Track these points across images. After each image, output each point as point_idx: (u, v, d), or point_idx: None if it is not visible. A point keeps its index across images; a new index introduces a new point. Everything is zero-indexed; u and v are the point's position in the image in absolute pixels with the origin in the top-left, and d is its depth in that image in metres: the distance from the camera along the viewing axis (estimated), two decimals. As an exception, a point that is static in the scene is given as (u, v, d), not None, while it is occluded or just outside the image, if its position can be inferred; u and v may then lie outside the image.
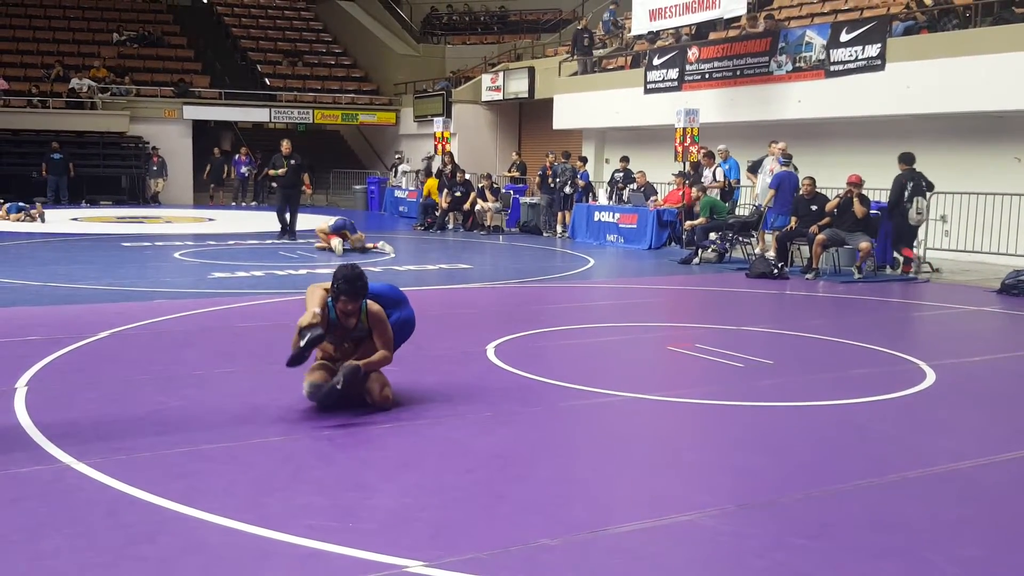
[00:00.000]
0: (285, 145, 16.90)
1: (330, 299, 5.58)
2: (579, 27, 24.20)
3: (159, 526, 3.82)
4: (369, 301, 5.63)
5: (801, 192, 13.20)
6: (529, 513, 4.04)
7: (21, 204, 20.06)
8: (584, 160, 20.03)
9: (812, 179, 13.35)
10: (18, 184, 23.39)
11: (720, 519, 4.02)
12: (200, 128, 29.37)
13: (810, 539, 3.83)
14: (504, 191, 20.87)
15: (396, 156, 26.90)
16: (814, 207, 12.92)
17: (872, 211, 12.59)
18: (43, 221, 19.36)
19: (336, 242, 14.47)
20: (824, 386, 6.56)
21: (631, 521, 3.96)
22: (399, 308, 5.92)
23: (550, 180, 18.90)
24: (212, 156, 27.74)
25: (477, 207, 19.74)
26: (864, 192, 12.60)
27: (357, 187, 28.00)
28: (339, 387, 5.33)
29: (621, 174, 18.37)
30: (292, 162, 16.53)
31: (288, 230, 16.61)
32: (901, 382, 6.63)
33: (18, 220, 19.26)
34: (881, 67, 15.30)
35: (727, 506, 4.17)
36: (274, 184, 18.12)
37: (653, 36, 20.78)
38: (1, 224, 18.75)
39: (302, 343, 5.34)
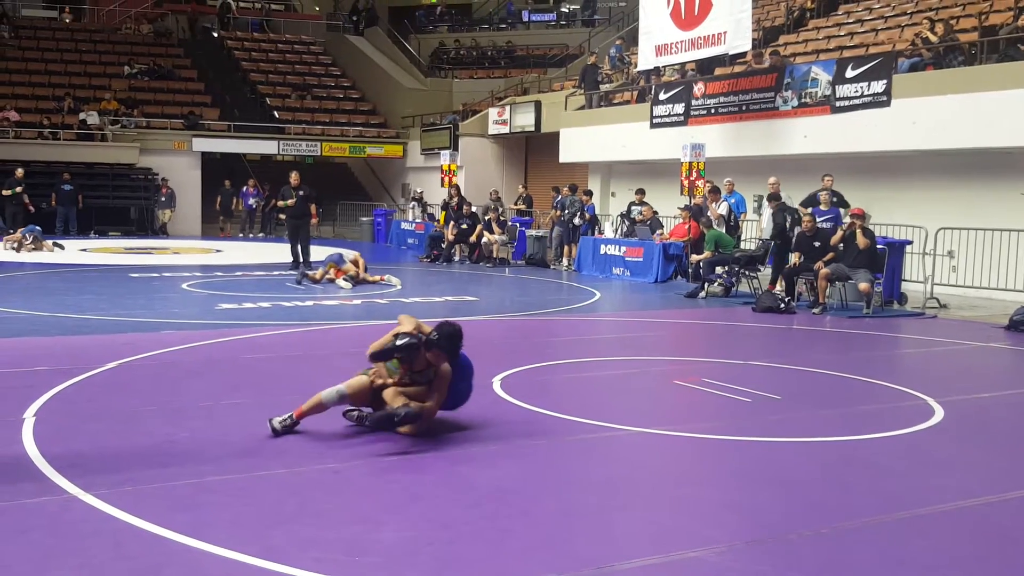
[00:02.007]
0: (294, 176, 17.09)
1: (419, 335, 5.71)
2: (589, 63, 24.38)
3: (165, 558, 3.81)
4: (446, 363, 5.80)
5: (802, 228, 13.21)
6: (535, 548, 4.02)
7: (36, 227, 20.17)
8: (589, 193, 20.07)
9: (813, 215, 13.38)
10: (28, 214, 23.55)
11: (728, 555, 4.00)
12: (208, 160, 29.55)
13: (819, 576, 3.80)
14: (511, 224, 20.93)
15: (418, 191, 26.78)
16: (817, 243, 12.93)
17: (878, 246, 12.60)
18: (51, 250, 19.52)
19: (343, 279, 14.48)
20: (832, 422, 6.54)
21: (637, 557, 3.94)
22: (465, 380, 6.04)
23: (560, 213, 18.95)
24: (222, 188, 27.94)
25: (484, 239, 19.80)
26: (868, 226, 12.64)
27: (364, 219, 28.13)
28: (396, 419, 5.51)
29: (638, 207, 18.23)
30: (300, 193, 16.67)
31: (303, 261, 16.67)
32: (909, 418, 6.60)
33: (30, 248, 19.30)
34: (887, 103, 15.38)
35: (735, 542, 4.15)
36: (282, 216, 18.30)
37: (658, 71, 20.93)
38: (13, 255, 18.81)
39: (399, 343, 5.57)
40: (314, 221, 17.85)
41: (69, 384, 6.98)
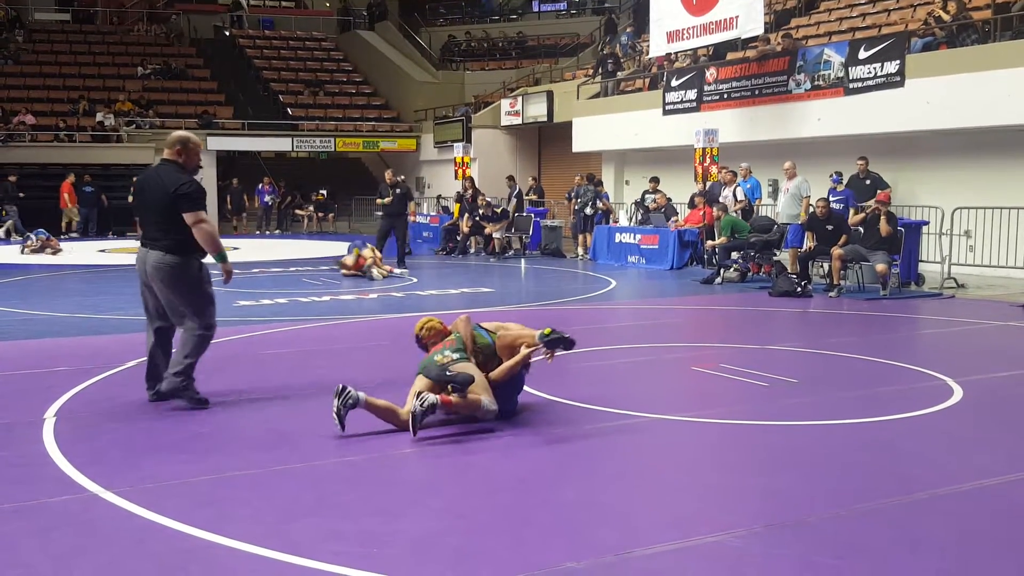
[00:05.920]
0: (389, 174, 17.83)
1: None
2: (603, 52, 24.30)
3: (186, 554, 3.84)
4: None
5: (816, 211, 13.11)
6: (554, 536, 4.03)
7: (41, 230, 20.23)
8: (600, 183, 19.99)
9: (826, 199, 13.29)
10: (47, 216, 23.73)
11: (748, 540, 3.99)
12: (223, 158, 29.66)
13: (839, 559, 3.79)
14: (525, 215, 20.86)
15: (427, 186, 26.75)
16: (830, 227, 12.84)
17: (898, 226, 12.51)
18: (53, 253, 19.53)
19: (346, 264, 14.92)
20: (850, 404, 6.52)
21: (658, 543, 3.94)
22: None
23: (575, 202, 18.93)
24: (231, 186, 28.06)
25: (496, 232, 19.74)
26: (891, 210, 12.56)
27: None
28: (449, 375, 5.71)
29: (652, 195, 18.21)
30: (397, 191, 17.15)
31: (399, 259, 16.73)
32: (928, 399, 6.57)
33: (35, 251, 19.35)
34: (900, 84, 15.26)
35: (755, 526, 4.15)
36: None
37: (670, 57, 20.82)
38: (28, 256, 18.93)
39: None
40: (412, 218, 18.76)
41: (89, 384, 7.03)
